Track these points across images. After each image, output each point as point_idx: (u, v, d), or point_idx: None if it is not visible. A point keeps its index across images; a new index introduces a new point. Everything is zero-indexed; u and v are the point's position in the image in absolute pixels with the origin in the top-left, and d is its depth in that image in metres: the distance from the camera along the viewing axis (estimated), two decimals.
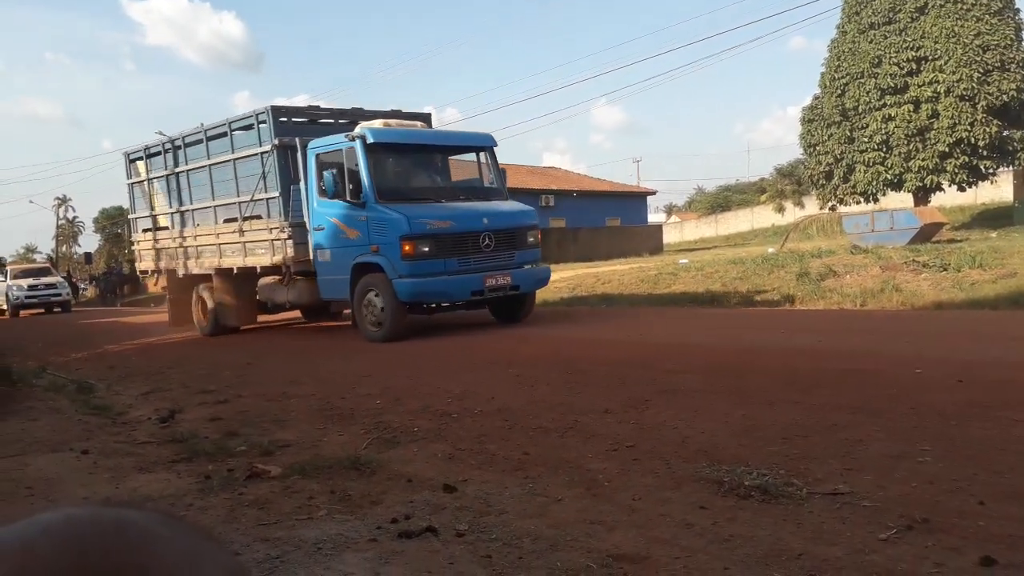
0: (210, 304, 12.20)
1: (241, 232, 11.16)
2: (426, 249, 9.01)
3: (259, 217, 10.83)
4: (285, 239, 10.38)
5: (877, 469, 3.34)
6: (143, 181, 13.72)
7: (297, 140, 10.26)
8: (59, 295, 26.83)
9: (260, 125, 10.67)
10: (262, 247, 10.89)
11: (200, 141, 12.02)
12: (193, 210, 12.32)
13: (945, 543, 2.55)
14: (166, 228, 13.23)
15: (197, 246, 12.31)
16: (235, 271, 11.54)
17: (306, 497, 3.46)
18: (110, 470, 4.15)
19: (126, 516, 0.41)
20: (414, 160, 10.51)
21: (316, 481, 3.69)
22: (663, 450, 3.88)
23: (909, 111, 25.65)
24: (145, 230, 14.03)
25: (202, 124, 12.04)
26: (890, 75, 25.78)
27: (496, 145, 10.76)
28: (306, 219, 10.10)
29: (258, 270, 11.19)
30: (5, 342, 12.96)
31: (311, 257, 10.17)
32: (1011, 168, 27.93)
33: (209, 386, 6.92)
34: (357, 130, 9.58)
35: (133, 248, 14.94)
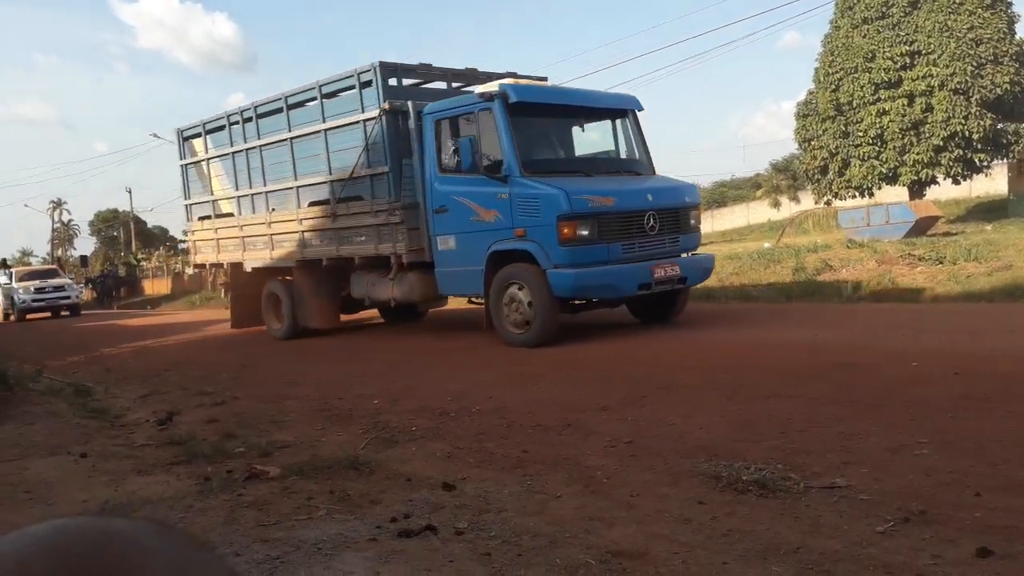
0: (286, 302, 10.60)
1: (334, 217, 9.53)
2: (587, 232, 7.43)
3: (358, 199, 9.25)
4: (396, 224, 8.78)
5: (874, 462, 3.35)
6: (200, 161, 12.02)
7: (410, 104, 8.64)
8: (68, 298, 25.41)
9: (363, 88, 8.94)
10: (362, 234, 9.28)
11: (278, 111, 10.30)
12: (267, 193, 10.64)
13: (942, 535, 2.56)
14: (229, 215, 11.57)
15: (272, 235, 10.65)
16: (324, 263, 9.95)
17: (305, 497, 3.46)
18: (108, 473, 4.15)
19: (116, 527, 0.41)
20: (558, 125, 8.93)
21: (315, 481, 3.69)
22: (661, 446, 3.89)
23: (903, 105, 25.69)
24: (202, 218, 12.27)
25: (283, 94, 10.26)
26: (884, 69, 25.81)
27: (643, 109, 9.20)
28: (420, 200, 8.60)
29: (356, 262, 9.63)
30: (1, 346, 12.87)
31: (426, 245, 8.65)
32: (1005, 161, 27.97)
33: (207, 388, 6.91)
34: (492, 88, 7.93)
35: (186, 239, 13.16)
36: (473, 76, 9.65)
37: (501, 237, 7.87)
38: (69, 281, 27.00)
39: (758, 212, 52.56)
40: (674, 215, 8.21)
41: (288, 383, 6.84)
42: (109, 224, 60.84)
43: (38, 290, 24.67)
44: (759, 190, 56.02)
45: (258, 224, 10.89)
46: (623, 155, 9.05)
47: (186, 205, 12.67)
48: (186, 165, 12.39)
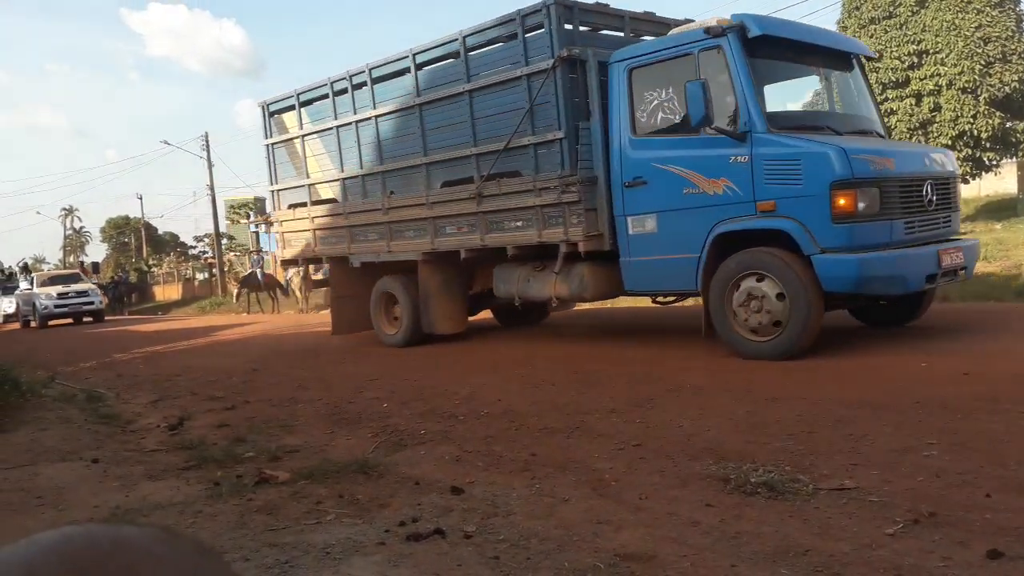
0: (406, 303, 8.99)
1: (478, 199, 7.85)
2: (868, 205, 5.74)
3: (514, 174, 7.60)
4: (570, 204, 7.04)
5: (883, 464, 3.34)
6: (293, 139, 10.26)
7: (590, 52, 7.01)
8: (92, 303, 24.00)
9: (527, 33, 7.29)
10: (519, 218, 7.59)
11: (400, 72, 8.64)
12: (384, 173, 8.94)
13: (952, 537, 2.55)
14: (331, 201, 9.87)
15: (390, 223, 8.93)
16: (462, 256, 8.25)
17: (314, 501, 3.48)
18: (120, 478, 4.17)
19: (124, 533, 0.41)
20: (795, 71, 7.25)
21: (324, 485, 3.70)
22: (669, 448, 3.89)
23: (911, 104, 25.59)
24: (293, 206, 10.50)
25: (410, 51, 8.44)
26: (891, 69, 25.71)
27: (875, 57, 7.99)
28: (600, 172, 6.97)
29: (509, 252, 7.81)
30: (14, 353, 12.94)
31: (605, 229, 6.98)
32: (1015, 160, 27.83)
33: (217, 393, 6.94)
34: (722, 21, 6.26)
35: (273, 231, 11.12)
36: (653, 21, 7.97)
37: (732, 214, 6.18)
38: (93, 286, 25.73)
39: None
40: (947, 186, 6.63)
41: (298, 387, 6.87)
42: (120, 230, 61.21)
43: (61, 295, 23.44)
44: None
45: (371, 211, 9.16)
46: (859, 112, 7.23)
47: (272, 191, 10.90)
48: (273, 145, 10.58)
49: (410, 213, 8.74)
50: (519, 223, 7.65)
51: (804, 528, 2.73)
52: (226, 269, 32.05)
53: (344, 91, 9.28)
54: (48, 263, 66.17)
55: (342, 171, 9.53)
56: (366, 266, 9.57)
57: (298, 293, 19.85)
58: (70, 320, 23.94)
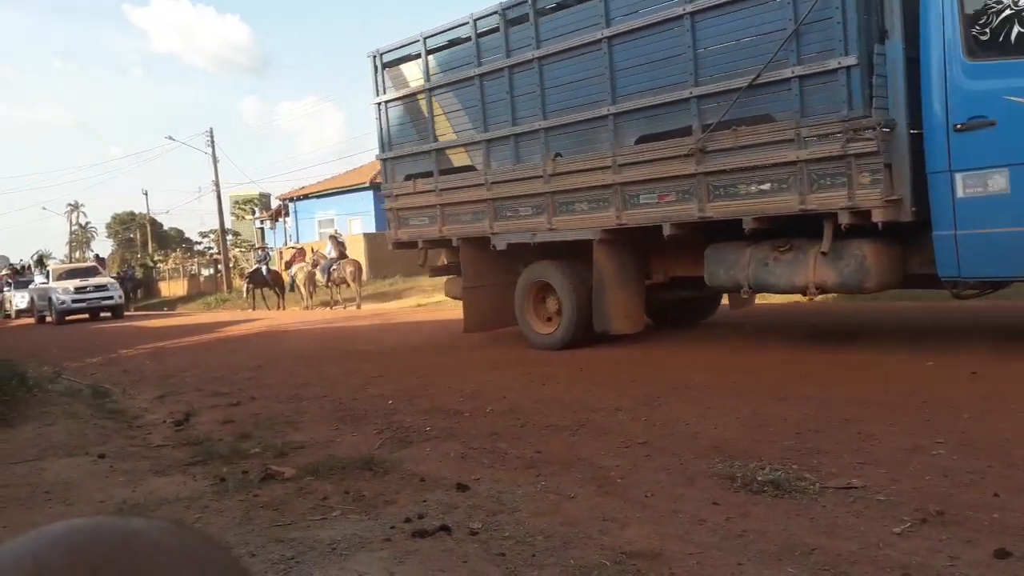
0: (568, 294, 7.43)
1: (698, 155, 6.21)
2: None
3: (762, 119, 5.94)
4: (859, 157, 5.42)
5: (891, 463, 3.33)
6: (416, 95, 8.63)
7: None
8: (111, 298, 22.81)
9: None
10: (769, 178, 5.91)
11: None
12: (548, 130, 7.34)
13: (960, 536, 2.54)
14: (467, 169, 8.29)
15: (554, 193, 7.37)
16: (667, 231, 6.53)
17: (320, 498, 3.48)
18: (126, 473, 4.19)
19: (132, 526, 0.42)
20: None
21: (330, 482, 3.71)
22: (675, 446, 3.88)
23: None
24: (412, 176, 8.84)
25: None
26: None
27: None
28: (899, 115, 5.34)
29: (746, 226, 6.04)
30: (21, 348, 13.00)
31: (906, 193, 5.35)
32: None
33: (222, 389, 6.96)
34: None
35: (387, 206, 9.25)
36: None
37: None
38: (112, 280, 24.67)
39: None
40: None
41: (303, 384, 6.88)
42: (126, 226, 61.40)
43: (78, 290, 22.23)
44: None
45: (526, 180, 7.61)
46: None
47: (383, 160, 9.22)
48: (387, 103, 8.93)
49: (584, 180, 7.09)
50: (766, 186, 5.92)
51: (811, 527, 2.72)
52: (231, 265, 32.12)
53: (493, 30, 7.68)
54: (55, 259, 66.39)
55: (485, 131, 7.88)
56: (513, 249, 7.96)
57: (303, 289, 19.89)
58: (86, 316, 22.92)
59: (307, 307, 19.67)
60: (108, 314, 22.89)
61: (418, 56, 8.49)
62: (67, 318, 22.28)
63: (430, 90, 8.40)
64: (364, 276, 20.32)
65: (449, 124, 8.41)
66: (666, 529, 2.82)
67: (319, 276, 19.37)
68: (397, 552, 2.78)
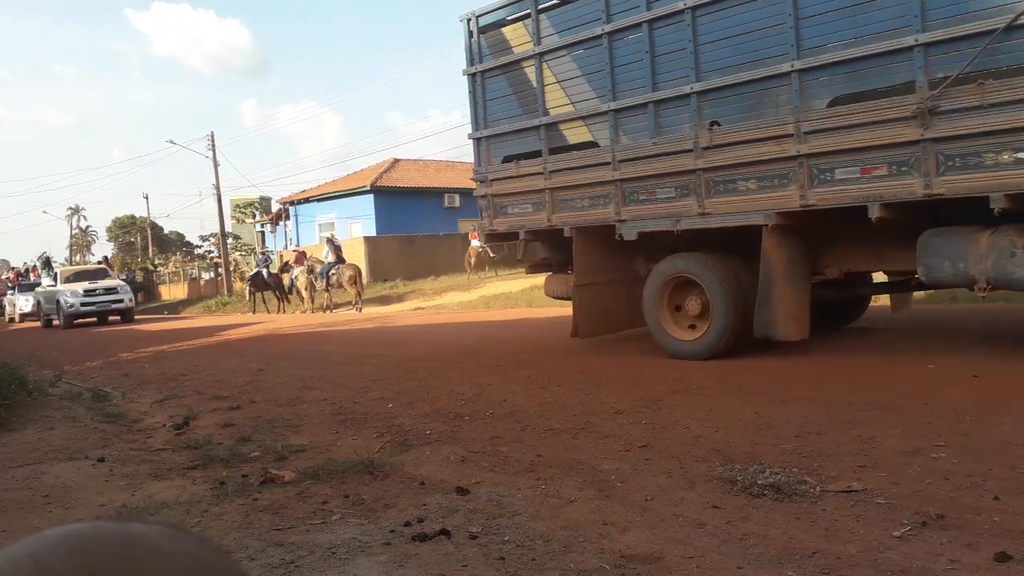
0: (719, 293, 6.33)
1: (927, 116, 5.13)
2: None
3: (1017, 70, 4.88)
4: None
5: (891, 466, 3.33)
6: (521, 61, 7.59)
7: None
8: (121, 301, 21.72)
9: None
10: None
11: None
12: (700, 94, 6.24)
13: (960, 539, 2.54)
14: (586, 147, 7.22)
15: (708, 170, 6.24)
16: (874, 214, 5.43)
17: (320, 502, 3.48)
18: (126, 477, 4.18)
19: (132, 530, 0.42)
20: None
21: (330, 485, 3.71)
22: (676, 450, 3.88)
23: None
24: (512, 158, 7.77)
25: None
26: None
27: None
28: None
29: (996, 207, 4.94)
30: (21, 351, 12.99)
31: None
32: None
33: (222, 392, 6.96)
34: None
35: (480, 193, 8.18)
36: None
37: None
38: (121, 282, 23.57)
39: None
40: None
41: (304, 387, 6.87)
42: (126, 230, 61.45)
43: (88, 292, 21.15)
44: None
45: (669, 154, 6.49)
46: None
47: (477, 140, 8.05)
48: (482, 74, 7.84)
49: (754, 152, 5.96)
50: None
51: (811, 530, 2.72)
52: (232, 269, 32.14)
53: None
54: (55, 262, 66.34)
55: (613, 99, 6.79)
56: (639, 240, 6.80)
57: (304, 293, 19.89)
58: (94, 320, 21.83)
59: (304, 311, 19.67)
60: (117, 318, 22.05)
61: (526, 16, 7.37)
62: (75, 322, 21.22)
63: (541, 55, 7.30)
64: (364, 280, 20.34)
65: (564, 94, 7.28)
66: (666, 533, 2.81)
67: (316, 281, 19.39)
68: (397, 556, 2.77)
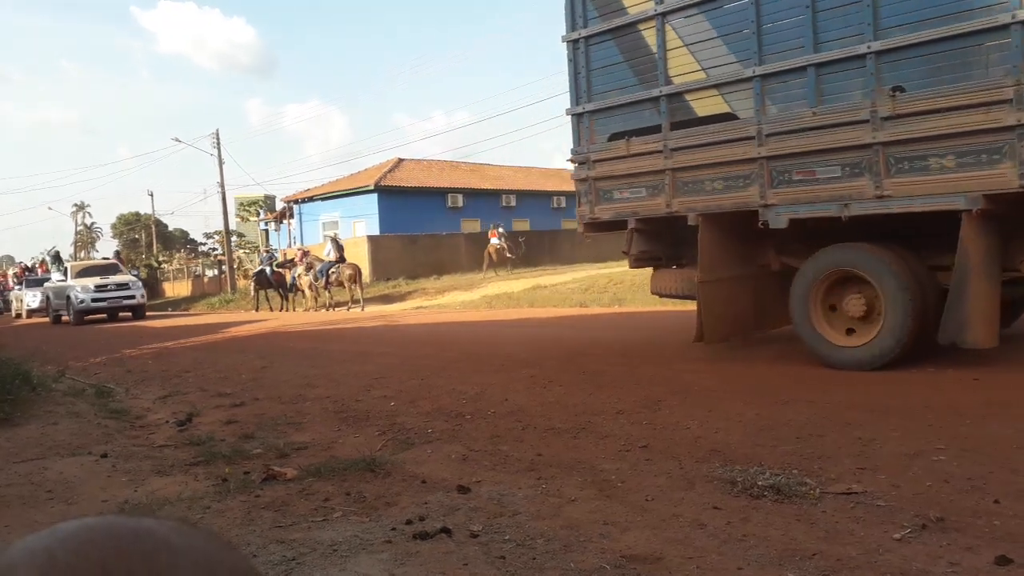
0: (894, 291, 5.51)
1: None
2: None
3: None
4: None
5: (891, 468, 3.33)
6: (634, 24, 6.71)
7: None
8: (132, 297, 21.35)
9: None
10: None
11: None
12: (880, 54, 5.38)
13: (960, 542, 2.54)
14: (720, 119, 6.28)
15: (888, 144, 5.38)
16: None
17: (322, 499, 3.49)
18: (128, 473, 4.20)
19: (144, 524, 0.42)
20: None
21: (332, 483, 3.72)
22: (676, 450, 3.88)
23: None
24: (621, 135, 6.87)
25: None
26: None
27: None
28: None
29: None
30: (24, 347, 13.01)
31: None
32: None
33: (225, 389, 6.97)
34: None
35: (579, 176, 7.26)
36: None
37: None
38: (133, 278, 23.07)
39: None
40: None
41: (306, 384, 6.89)
42: (131, 226, 61.56)
43: (99, 288, 20.76)
44: None
45: (836, 126, 5.62)
46: None
47: (577, 115, 7.18)
48: (586, 39, 7.01)
49: (954, 122, 5.08)
50: None
51: (811, 532, 2.72)
52: (235, 266, 32.18)
53: None
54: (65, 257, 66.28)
55: (759, 63, 5.94)
56: (796, 227, 5.97)
57: (307, 291, 19.92)
58: (104, 316, 21.40)
59: (308, 309, 19.70)
60: (128, 314, 21.63)
61: None
62: (86, 318, 20.77)
63: (663, 15, 6.46)
64: (366, 279, 20.34)
65: (693, 59, 6.37)
66: (666, 533, 2.82)
67: (312, 278, 19.43)
68: (398, 554, 2.79)
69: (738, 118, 6.19)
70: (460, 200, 30.58)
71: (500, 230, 24.93)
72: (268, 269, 21.44)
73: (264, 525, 3.20)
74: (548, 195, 34.25)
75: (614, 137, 6.97)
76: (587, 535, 2.84)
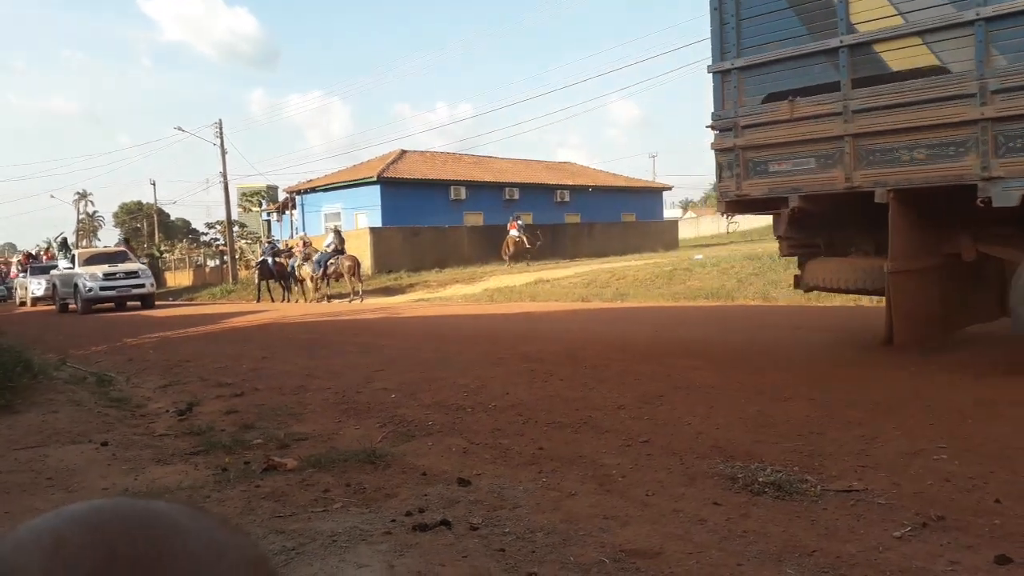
0: None
1: None
2: None
3: None
4: None
5: (892, 466, 3.33)
6: None
7: None
8: (142, 286, 20.70)
9: None
10: None
11: None
12: None
13: (960, 541, 2.54)
14: (922, 73, 5.31)
15: None
16: None
17: (322, 490, 3.49)
18: (128, 462, 4.20)
19: (152, 507, 0.42)
20: None
21: (332, 474, 3.72)
22: (677, 446, 3.88)
23: None
24: (783, 95, 5.91)
25: None
26: None
27: None
28: None
29: None
30: (26, 334, 13.03)
31: None
32: None
33: (226, 379, 6.98)
34: None
35: (721, 145, 6.31)
36: None
37: None
38: (143, 266, 22.61)
39: None
40: None
41: (307, 376, 6.89)
42: (133, 215, 61.58)
43: (107, 276, 20.18)
44: None
45: None
46: None
47: (722, 72, 6.27)
48: None
49: None
50: None
51: (811, 529, 2.72)
52: (237, 257, 32.19)
53: None
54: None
55: (983, 4, 4.96)
56: (972, 210, 5.13)
57: (309, 283, 19.92)
58: (112, 305, 20.74)
59: (310, 300, 19.70)
60: (137, 303, 20.89)
61: None
62: (93, 307, 20.21)
63: None
64: (368, 271, 20.33)
65: (886, 1, 5.42)
66: (666, 528, 2.82)
67: (309, 269, 19.45)
68: (397, 545, 2.79)
69: (950, 72, 5.18)
70: (463, 192, 30.55)
71: (519, 222, 25.22)
72: (270, 260, 21.44)
73: (264, 515, 3.20)
74: (551, 188, 34.21)
75: (771, 99, 5.97)
76: (587, 529, 2.84)
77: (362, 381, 6.42)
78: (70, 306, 20.90)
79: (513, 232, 24.72)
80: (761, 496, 3.06)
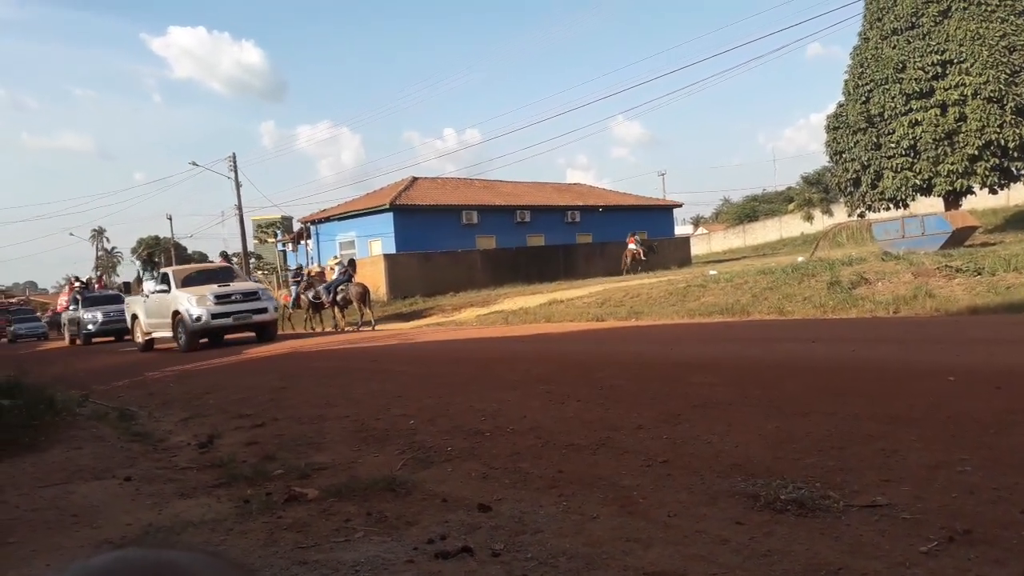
0: None
1: None
2: None
3: None
4: None
5: (915, 480, 3.30)
6: None
7: None
8: (264, 310, 16.34)
9: None
10: None
11: None
12: None
13: (988, 555, 2.51)
14: None
15: None
16: None
17: (343, 519, 3.50)
18: (152, 496, 4.23)
19: (167, 558, 0.44)
20: None
21: (353, 503, 3.73)
22: (697, 465, 3.86)
23: (936, 115, 25.37)
24: None
25: None
26: (915, 80, 25.53)
27: None
28: None
29: None
30: (48, 373, 13.12)
31: None
32: None
33: (245, 410, 7.01)
34: None
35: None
36: None
37: None
38: (260, 285, 19.20)
39: (791, 226, 52.14)
40: None
41: (326, 404, 6.91)
42: (151, 250, 62.20)
43: (220, 299, 15.93)
44: (791, 203, 55.63)
45: None
46: None
47: None
48: None
49: None
50: None
51: (835, 546, 2.70)
52: None
53: None
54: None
55: None
56: None
57: (337, 313, 19.84)
58: (223, 336, 16.60)
59: (343, 327, 19.59)
60: (252, 334, 16.56)
61: None
62: (201, 341, 15.86)
63: None
64: (383, 297, 20.40)
65: None
66: (689, 549, 2.81)
67: (312, 297, 19.53)
68: (420, 574, 2.79)
69: None
70: (475, 217, 30.69)
71: (636, 237, 29.91)
72: (295, 289, 21.52)
73: (286, 546, 3.22)
74: (562, 210, 34.29)
75: None
76: (610, 552, 2.83)
77: (380, 408, 6.44)
78: (177, 342, 16.09)
79: (632, 246, 29.29)
80: (784, 514, 3.04)
